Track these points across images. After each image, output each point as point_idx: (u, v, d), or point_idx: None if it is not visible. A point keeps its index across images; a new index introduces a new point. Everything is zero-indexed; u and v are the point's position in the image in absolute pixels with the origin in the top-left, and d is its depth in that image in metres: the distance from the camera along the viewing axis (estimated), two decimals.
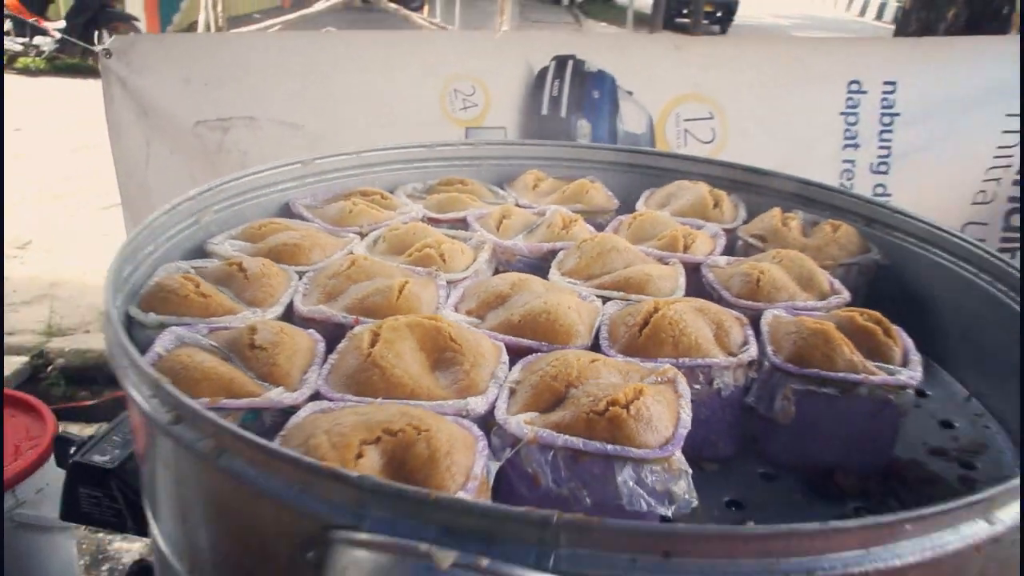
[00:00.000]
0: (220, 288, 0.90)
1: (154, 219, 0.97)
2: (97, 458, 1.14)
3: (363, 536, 0.50)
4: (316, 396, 0.73)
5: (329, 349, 0.82)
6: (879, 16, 25.61)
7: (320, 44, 2.10)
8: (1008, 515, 0.58)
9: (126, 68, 2.04)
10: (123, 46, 2.05)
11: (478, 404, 0.72)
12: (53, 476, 2.02)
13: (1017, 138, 2.10)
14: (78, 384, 3.70)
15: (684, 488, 0.67)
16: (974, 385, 1.06)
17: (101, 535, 2.66)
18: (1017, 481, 0.58)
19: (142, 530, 1.15)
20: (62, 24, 10.61)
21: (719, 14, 20.69)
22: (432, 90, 2.05)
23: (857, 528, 0.51)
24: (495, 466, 0.66)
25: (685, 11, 17.83)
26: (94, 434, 1.23)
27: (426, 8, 12.61)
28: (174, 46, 2.12)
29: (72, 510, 1.17)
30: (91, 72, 10.69)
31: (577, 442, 0.66)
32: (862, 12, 28.73)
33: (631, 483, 0.66)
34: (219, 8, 11.59)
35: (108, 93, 2.07)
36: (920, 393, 1.04)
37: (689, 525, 0.50)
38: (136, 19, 11.58)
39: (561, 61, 2.03)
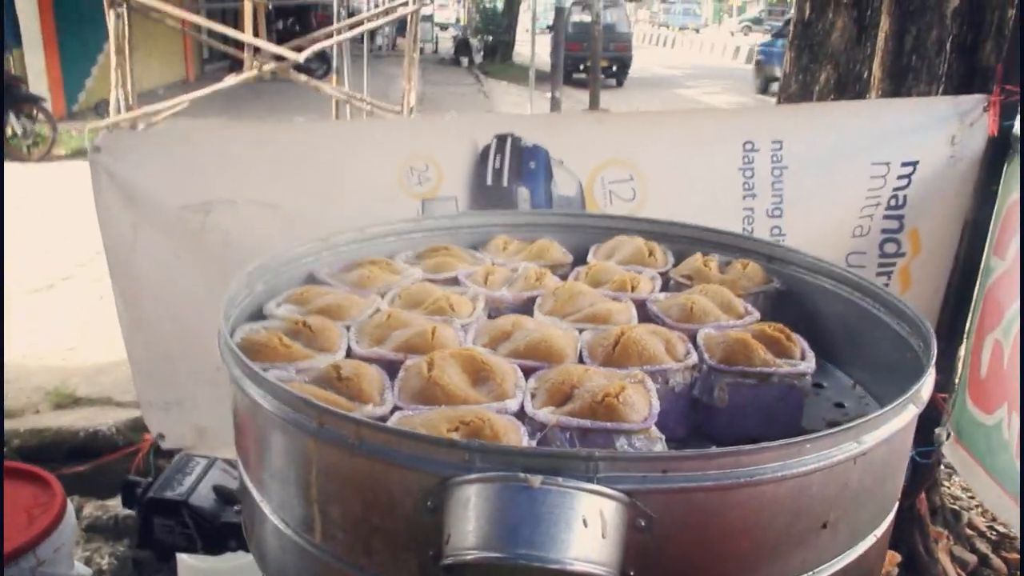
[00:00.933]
0: (292, 340, 1.18)
1: (229, 292, 1.24)
2: (169, 493, 1.39)
3: (474, 477, 0.79)
4: (396, 408, 1.02)
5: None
6: None
7: (290, 133, 2.39)
8: (871, 439, 0.90)
9: (113, 161, 2.28)
10: (110, 141, 2.30)
11: (512, 404, 1.02)
12: (68, 536, 2.21)
13: (881, 181, 2.52)
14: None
15: (661, 449, 0.98)
16: (858, 376, 1.41)
17: None
18: (875, 416, 0.91)
19: (210, 549, 1.40)
20: None
21: (615, 68, 21.59)
22: (391, 168, 2.34)
23: (778, 447, 0.83)
24: (534, 444, 0.96)
25: (583, 67, 18.64)
26: (157, 476, 1.47)
27: (334, 78, 12.95)
28: (158, 139, 2.38)
29: (148, 539, 1.40)
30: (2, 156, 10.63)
31: (586, 423, 0.97)
32: (748, 60, 30.15)
33: (626, 447, 0.96)
34: (128, 86, 11.66)
35: (97, 184, 2.30)
36: (818, 384, 1.38)
37: (676, 451, 0.81)
38: (43, 99, 11.53)
39: (501, 138, 2.36)
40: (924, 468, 2.94)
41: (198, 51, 19.94)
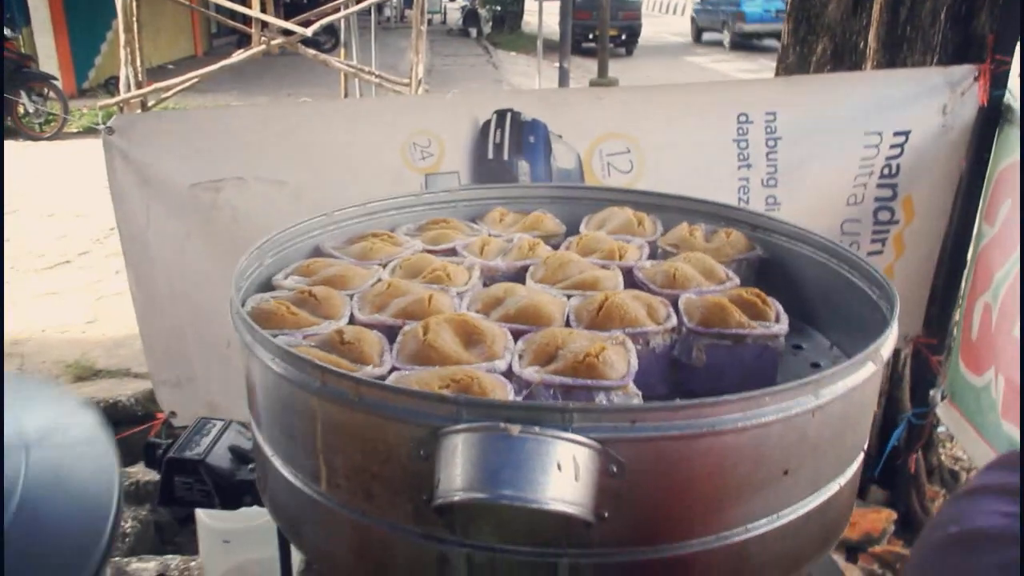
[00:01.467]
0: (299, 309, 1.27)
1: (240, 266, 1.33)
2: (188, 453, 1.49)
3: (461, 427, 0.87)
4: (394, 369, 1.11)
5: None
6: None
7: (298, 112, 2.47)
8: (828, 392, 0.99)
9: (127, 143, 2.36)
10: (124, 124, 2.38)
11: (501, 364, 1.10)
12: None
13: (874, 151, 2.58)
14: None
15: (637, 403, 1.06)
16: (835, 338, 1.49)
17: (117, 558, 2.94)
18: (831, 372, 0.99)
19: (227, 505, 1.50)
20: None
21: (624, 37, 21.48)
22: (394, 144, 2.42)
23: (738, 399, 0.91)
24: (519, 399, 1.05)
25: (592, 36, 18.59)
26: (176, 437, 1.57)
27: (342, 51, 12.98)
28: (169, 121, 2.46)
29: (169, 496, 1.50)
30: (12, 132, 10.75)
31: (567, 380, 1.05)
32: None
33: (605, 403, 1.05)
34: (137, 63, 11.74)
35: (111, 165, 2.39)
36: (797, 346, 1.46)
37: (643, 403, 0.89)
38: (54, 77, 11.60)
39: (501, 114, 2.43)
40: (918, 428, 3.03)
41: (206, 26, 19.95)
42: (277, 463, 1.12)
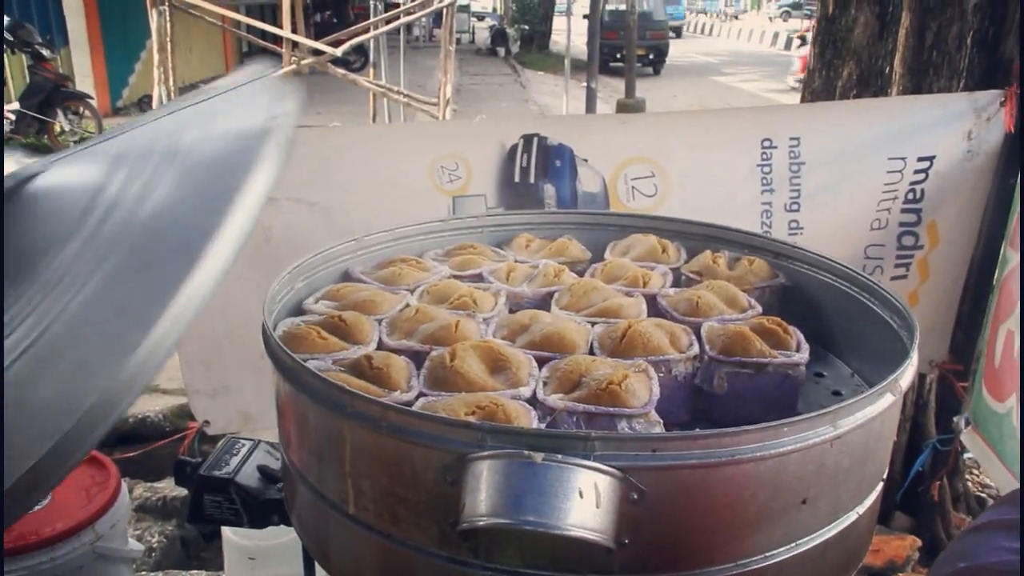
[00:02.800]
0: (329, 334, 1.30)
1: (272, 290, 1.36)
2: (218, 472, 1.52)
3: (486, 453, 0.90)
4: (421, 394, 1.14)
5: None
6: (799, 47, 26.69)
7: (328, 136, 2.52)
8: (847, 423, 1.00)
9: None
10: None
11: (526, 391, 1.13)
12: (122, 514, 2.36)
13: (898, 176, 2.59)
14: None
15: (658, 431, 1.09)
16: (855, 366, 1.50)
17: (144, 572, 2.99)
18: (849, 403, 1.01)
19: (255, 524, 1.53)
20: (16, 106, 10.82)
21: (651, 56, 21.55)
22: (422, 168, 2.46)
23: (757, 429, 0.93)
24: (543, 427, 1.07)
25: (619, 56, 18.66)
26: (206, 456, 1.60)
27: (371, 71, 13.12)
28: None
29: (198, 514, 1.53)
30: (47, 150, 10.95)
31: (591, 407, 1.08)
32: (786, 47, 29.92)
33: (627, 430, 1.07)
34: (170, 81, 11.90)
35: None
36: (819, 374, 1.47)
37: (664, 432, 0.92)
38: (91, 97, 11.82)
39: (528, 138, 2.47)
40: (943, 454, 3.01)
41: (237, 46, 20.22)
42: (306, 484, 1.15)
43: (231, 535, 2.60)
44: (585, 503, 0.86)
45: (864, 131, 2.60)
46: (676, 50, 24.65)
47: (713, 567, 0.99)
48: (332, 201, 2.47)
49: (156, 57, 11.76)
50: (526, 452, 0.87)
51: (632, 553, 0.94)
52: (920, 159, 2.61)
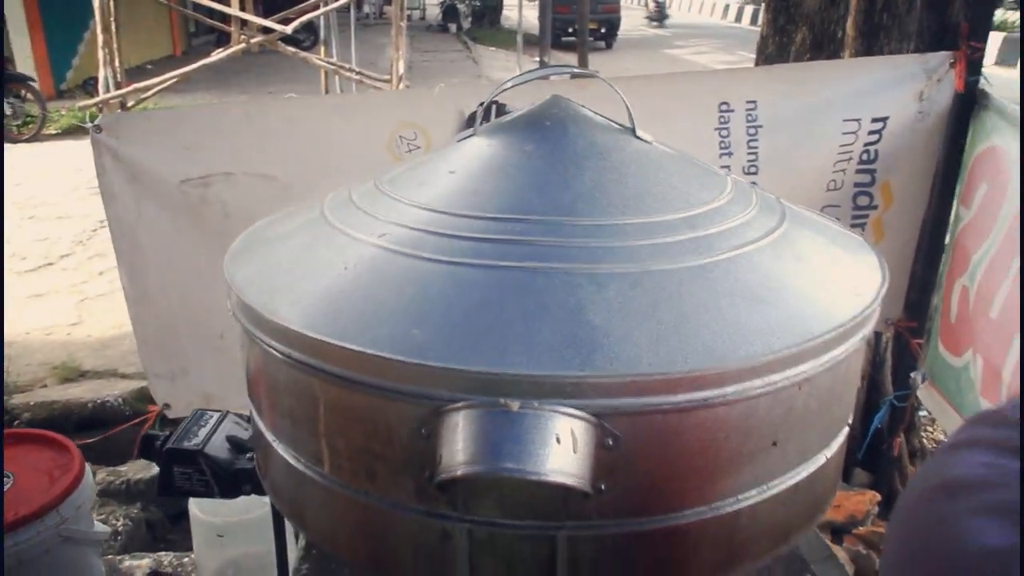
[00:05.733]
0: None
1: (234, 247, 1.35)
2: (186, 443, 1.51)
3: (461, 404, 0.90)
4: None
5: None
6: (753, 22, 26.89)
7: (283, 108, 2.48)
8: (811, 367, 1.02)
9: (116, 141, 2.37)
10: (111, 122, 2.39)
11: None
12: (87, 496, 2.34)
13: (853, 137, 2.63)
14: None
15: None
16: None
17: (110, 556, 2.95)
18: (814, 345, 1.02)
19: (226, 494, 1.52)
20: None
21: (603, 31, 21.56)
22: (380, 138, 2.45)
23: (726, 373, 0.94)
24: None
25: (571, 30, 18.64)
26: (173, 430, 1.59)
27: (323, 49, 12.95)
28: (157, 119, 2.47)
29: (168, 487, 1.52)
30: None
31: None
32: (737, 19, 30.07)
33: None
34: (116, 63, 11.68)
35: (99, 163, 2.40)
36: None
37: (638, 378, 0.93)
38: (32, 79, 11.52)
39: (487, 106, 2.45)
40: (900, 411, 3.09)
41: (184, 26, 19.83)
42: (279, 448, 1.15)
43: (198, 513, 2.58)
44: (562, 449, 0.87)
45: (819, 93, 2.63)
46: (627, 24, 24.66)
47: (687, 510, 1.00)
48: (289, 175, 2.44)
49: (100, 38, 11.49)
50: (502, 401, 0.88)
51: (608, 498, 0.96)
52: (874, 120, 2.65)
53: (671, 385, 0.92)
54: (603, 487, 0.94)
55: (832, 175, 2.70)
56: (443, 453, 0.90)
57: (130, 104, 12.61)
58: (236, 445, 1.52)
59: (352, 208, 1.21)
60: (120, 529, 3.15)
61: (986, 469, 0.57)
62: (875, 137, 2.67)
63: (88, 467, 2.38)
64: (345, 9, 14.89)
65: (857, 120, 2.63)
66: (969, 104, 2.65)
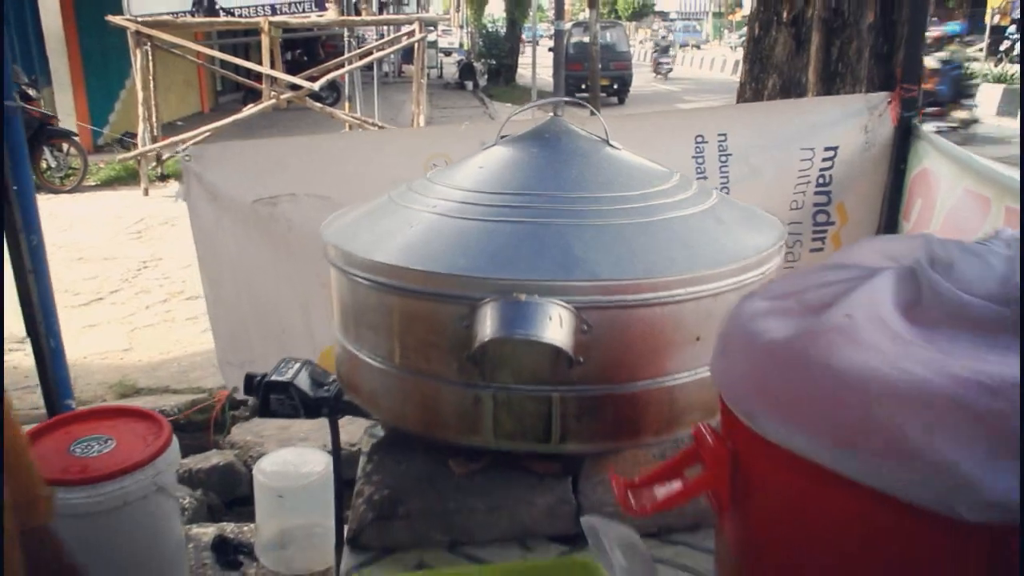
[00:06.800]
0: None
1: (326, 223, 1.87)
2: (279, 378, 2.01)
3: (488, 300, 1.42)
4: None
5: None
6: None
7: (336, 141, 3.05)
8: (723, 286, 1.53)
9: (201, 167, 2.93)
10: (197, 153, 2.95)
11: None
12: (175, 456, 2.84)
13: (809, 163, 3.16)
14: None
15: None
16: None
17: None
18: (728, 268, 1.53)
19: (309, 415, 2.02)
20: None
21: (615, 86, 22.29)
22: (416, 165, 2.98)
23: (663, 282, 1.45)
24: None
25: (584, 87, 19.40)
26: (268, 372, 2.09)
27: (347, 105, 13.69)
28: (234, 150, 3.04)
29: (265, 410, 2.02)
30: (38, 188, 11.36)
31: None
32: (734, 71, 30.76)
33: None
34: (153, 118, 12.38)
35: (188, 185, 2.95)
36: None
37: (602, 284, 1.44)
38: (75, 134, 12.22)
39: (503, 138, 3.00)
40: None
41: (212, 84, 20.71)
42: (363, 355, 1.66)
43: (261, 478, 3.08)
44: (554, 324, 1.38)
45: (780, 127, 3.17)
46: (639, 80, 25.49)
47: (639, 382, 1.51)
48: (342, 194, 2.98)
49: (140, 95, 12.21)
50: (515, 295, 1.39)
51: (585, 370, 1.46)
52: (826, 149, 3.18)
53: (623, 289, 1.44)
54: (581, 360, 1.45)
55: (793, 196, 3.22)
56: (476, 330, 1.41)
57: (165, 157, 13.27)
58: (315, 380, 2.02)
59: (412, 193, 1.74)
60: (186, 507, 3.64)
61: (780, 285, 1.08)
62: (829, 164, 3.20)
63: (175, 435, 2.89)
64: (367, 68, 15.63)
65: (812, 149, 3.17)
66: (905, 135, 3.17)
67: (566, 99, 2.56)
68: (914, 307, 0.93)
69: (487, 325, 1.40)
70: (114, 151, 13.13)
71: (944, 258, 0.99)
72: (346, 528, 1.79)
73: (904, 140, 3.18)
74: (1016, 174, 2.58)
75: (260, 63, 11.30)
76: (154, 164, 11.67)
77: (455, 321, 1.47)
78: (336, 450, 2.10)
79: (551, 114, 2.02)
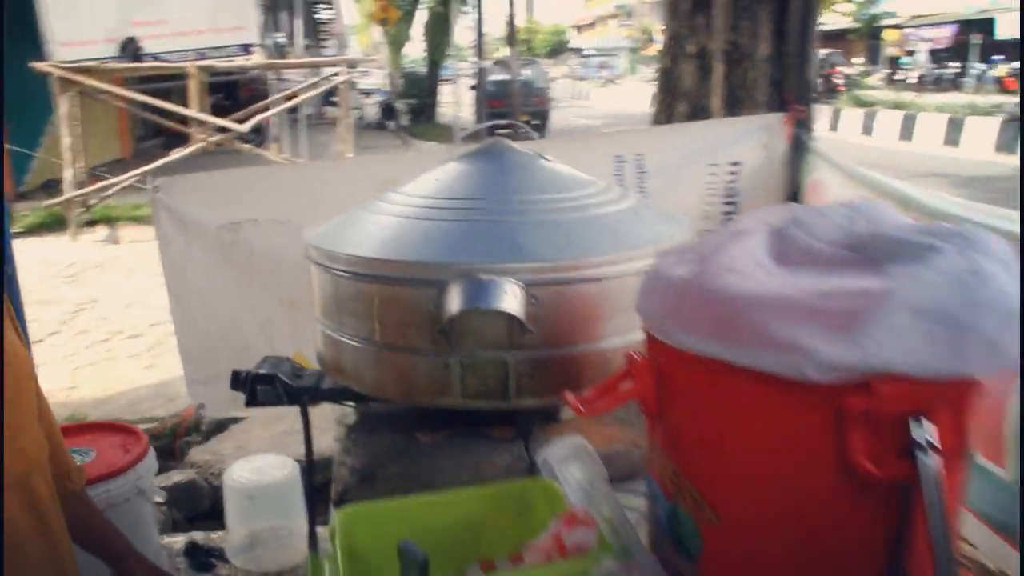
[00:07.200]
0: None
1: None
2: (264, 371, 2.29)
3: (453, 282, 1.74)
4: None
5: None
6: None
7: (294, 171, 3.34)
8: (644, 267, 1.87)
9: (168, 197, 3.19)
10: (165, 184, 3.21)
11: None
12: (152, 464, 3.07)
13: (715, 177, 3.56)
14: None
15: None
16: None
17: None
18: (654, 249, 1.88)
19: (292, 402, 2.29)
20: None
21: (535, 122, 22.91)
22: (368, 191, 3.28)
23: (597, 262, 1.79)
24: None
25: (505, 122, 19.87)
26: (252, 369, 2.37)
27: (275, 146, 13.91)
28: (198, 181, 3.30)
29: (253, 400, 2.29)
30: None
31: None
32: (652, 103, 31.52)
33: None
34: (80, 163, 12.40)
35: (156, 214, 3.21)
36: None
37: (546, 265, 1.77)
38: None
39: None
40: None
41: (133, 130, 20.63)
42: (345, 338, 1.96)
43: (231, 482, 3.31)
44: (510, 298, 1.70)
45: (690, 146, 3.57)
46: (559, 115, 26.17)
47: (578, 345, 1.84)
48: (299, 219, 3.25)
49: (67, 141, 12.24)
50: (477, 275, 1.72)
51: (534, 337, 1.79)
52: (731, 164, 3.59)
53: (562, 268, 1.78)
54: (531, 328, 1.77)
55: (705, 207, 3.62)
56: (445, 307, 1.73)
57: (92, 203, 13.26)
58: (295, 373, 2.30)
59: (379, 203, 2.06)
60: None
61: (685, 247, 1.42)
62: (734, 177, 3.61)
63: (152, 446, 3.11)
64: (292, 110, 15.83)
65: (718, 164, 3.57)
66: (799, 149, 3.61)
67: (509, 121, 2.90)
68: (779, 251, 1.29)
69: (454, 302, 1.72)
70: (39, 198, 13.06)
71: (802, 219, 1.35)
72: (332, 491, 2.07)
73: (797, 154, 3.61)
74: (900, 183, 3.03)
75: (185, 107, 11.48)
76: (81, 210, 11.68)
77: (426, 301, 1.79)
78: (307, 436, 2.37)
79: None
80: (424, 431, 2.08)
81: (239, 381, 2.33)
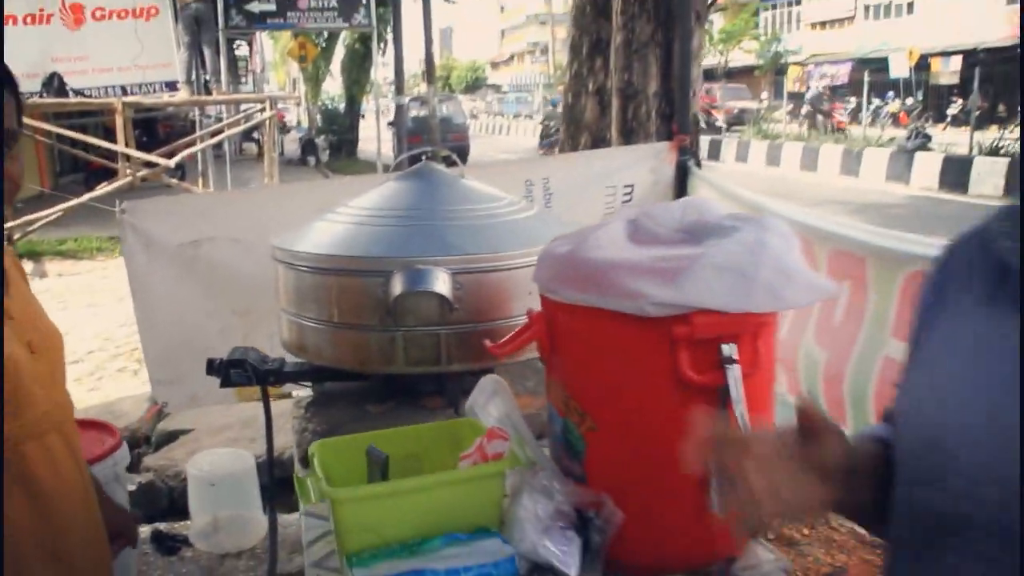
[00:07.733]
0: None
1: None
2: (236, 356, 2.76)
3: (397, 272, 2.25)
4: None
5: None
6: None
7: (248, 194, 3.80)
8: None
9: (134, 218, 3.63)
10: (131, 207, 3.64)
11: None
12: (125, 454, 3.48)
13: (612, 198, 4.15)
14: None
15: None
16: None
17: None
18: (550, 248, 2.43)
19: (260, 383, 2.76)
20: None
21: (454, 158, 23.33)
22: (312, 213, 3.78)
23: (506, 256, 2.33)
24: None
25: (424, 157, 20.36)
26: (224, 357, 2.83)
27: (200, 180, 14.19)
28: (161, 203, 3.74)
29: (227, 382, 2.75)
30: None
31: None
32: None
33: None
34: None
35: (123, 233, 3.63)
36: None
37: (467, 256, 2.30)
38: None
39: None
40: None
41: (51, 165, 20.54)
42: (307, 322, 2.45)
43: (194, 471, 3.73)
44: (441, 281, 2.22)
45: (589, 171, 4.16)
46: (477, 150, 26.83)
47: (495, 321, 2.36)
48: (252, 238, 3.73)
49: None
50: (415, 266, 2.23)
51: (460, 314, 2.31)
52: (625, 186, 4.19)
53: (480, 260, 2.31)
54: (457, 307, 2.29)
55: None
56: (390, 291, 2.24)
57: (16, 237, 13.34)
58: (262, 359, 2.77)
59: (331, 214, 2.56)
60: None
61: (567, 235, 1.96)
62: (628, 197, 4.21)
63: (124, 440, 3.52)
64: (216, 146, 16.09)
65: (615, 187, 4.17)
66: (683, 173, 4.23)
67: (437, 148, 3.43)
68: (632, 233, 1.85)
69: (397, 286, 2.23)
70: None
71: (651, 212, 1.92)
72: (295, 456, 2.54)
73: (681, 177, 4.23)
74: (766, 199, 3.65)
75: (108, 143, 11.70)
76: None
77: (375, 287, 2.29)
78: (268, 415, 2.83)
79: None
80: (373, 403, 2.57)
81: (214, 367, 2.77)
